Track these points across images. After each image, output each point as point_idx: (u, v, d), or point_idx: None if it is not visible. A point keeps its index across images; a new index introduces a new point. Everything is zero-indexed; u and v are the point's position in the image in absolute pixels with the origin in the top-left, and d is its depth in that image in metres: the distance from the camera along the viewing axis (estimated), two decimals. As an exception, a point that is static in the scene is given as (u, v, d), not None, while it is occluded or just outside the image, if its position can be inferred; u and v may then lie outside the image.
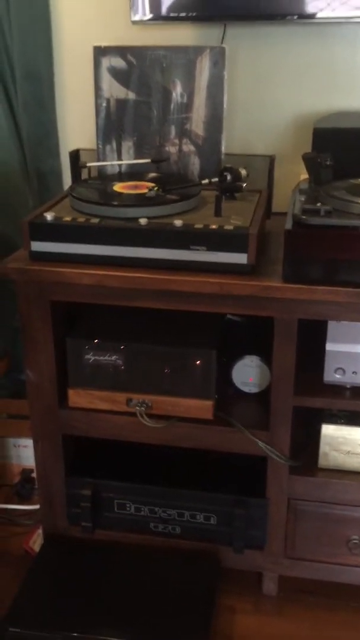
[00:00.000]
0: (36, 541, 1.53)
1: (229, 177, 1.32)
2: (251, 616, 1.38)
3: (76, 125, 1.65)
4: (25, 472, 1.73)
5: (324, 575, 1.38)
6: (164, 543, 1.41)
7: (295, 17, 1.37)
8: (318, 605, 1.39)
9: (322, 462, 1.30)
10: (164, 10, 1.41)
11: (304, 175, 1.34)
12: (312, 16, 1.37)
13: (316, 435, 1.29)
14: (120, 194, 1.30)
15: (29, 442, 1.66)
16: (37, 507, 1.57)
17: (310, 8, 1.36)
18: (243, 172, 1.34)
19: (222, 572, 1.38)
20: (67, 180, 1.70)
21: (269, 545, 1.37)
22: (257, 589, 1.42)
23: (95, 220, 1.21)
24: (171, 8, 1.41)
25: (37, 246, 1.22)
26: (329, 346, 1.21)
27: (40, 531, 1.53)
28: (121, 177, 1.44)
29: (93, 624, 1.23)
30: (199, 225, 1.18)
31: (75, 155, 1.46)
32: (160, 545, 1.41)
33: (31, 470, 1.72)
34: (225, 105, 1.40)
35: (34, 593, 1.31)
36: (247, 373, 1.37)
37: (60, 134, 1.67)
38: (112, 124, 1.45)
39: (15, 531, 1.59)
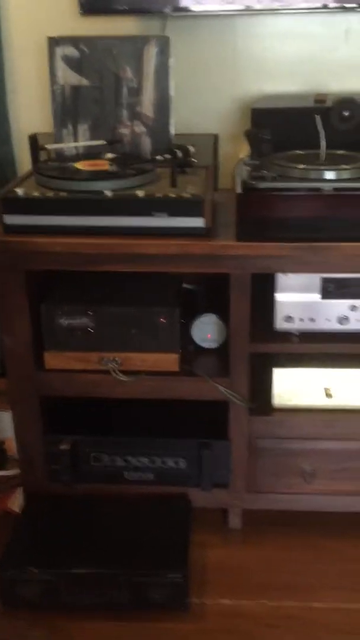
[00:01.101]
0: (15, 502, 1.63)
1: (179, 154, 1.47)
2: (221, 549, 1.53)
3: (27, 111, 1.76)
4: (-4, 444, 1.82)
5: (283, 506, 1.55)
6: (139, 490, 1.54)
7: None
8: (279, 533, 1.55)
9: (277, 402, 1.47)
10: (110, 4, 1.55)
11: (242, 154, 1.51)
12: (241, 11, 1.54)
13: (270, 378, 1.46)
14: (81, 170, 1.43)
15: (-3, 415, 1.75)
16: (12, 472, 1.67)
17: (238, 4, 1.53)
18: (191, 149, 1.50)
19: (192, 511, 1.52)
20: (20, 167, 1.80)
21: (233, 482, 1.52)
22: (224, 524, 1.58)
23: (63, 194, 1.33)
24: (115, 2, 1.55)
25: (10, 219, 1.33)
26: (279, 297, 1.38)
27: (17, 493, 1.63)
28: (79, 158, 1.56)
29: (80, 561, 1.34)
30: (159, 195, 1.32)
31: (34, 139, 1.56)
32: (135, 493, 1.54)
33: (1, 442, 1.81)
34: (171, 90, 1.55)
35: (22, 542, 1.41)
36: (206, 330, 1.52)
37: (12, 121, 1.77)
38: (68, 108, 1.57)
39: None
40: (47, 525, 1.47)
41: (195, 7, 1.54)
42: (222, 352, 1.49)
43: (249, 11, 1.56)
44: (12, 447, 1.76)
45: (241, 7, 1.54)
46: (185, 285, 1.62)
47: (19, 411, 1.50)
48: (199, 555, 1.49)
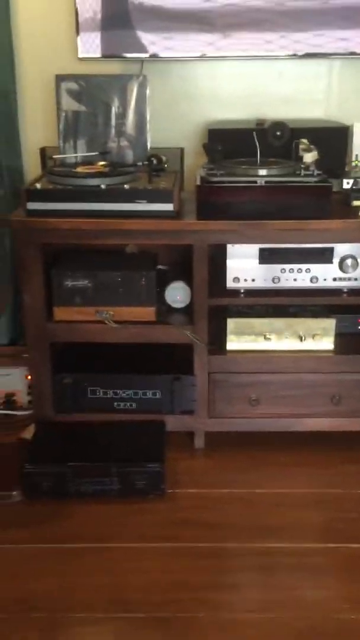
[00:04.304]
0: (27, 433, 2.06)
1: (154, 161, 1.98)
2: (188, 460, 1.98)
3: (33, 132, 2.24)
4: (7, 395, 2.25)
5: (236, 428, 2.01)
6: (125, 417, 1.99)
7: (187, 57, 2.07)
8: (233, 449, 2.01)
9: (229, 344, 1.95)
10: (101, 51, 2.06)
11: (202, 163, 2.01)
12: (199, 57, 2.07)
13: (224, 326, 1.94)
14: (81, 172, 1.92)
15: (8, 371, 2.19)
16: (24, 413, 2.12)
17: (197, 52, 2.06)
18: (164, 158, 2.01)
19: (166, 432, 1.98)
20: (27, 177, 2.28)
21: (197, 409, 1.99)
22: (191, 444, 2.03)
23: (70, 187, 1.82)
24: (105, 50, 2.06)
25: (31, 205, 1.81)
26: (229, 263, 1.88)
27: (30, 427, 2.07)
28: (77, 165, 2.05)
29: (82, 459, 1.79)
30: (140, 187, 1.82)
31: (43, 150, 2.06)
32: (122, 420, 1.99)
33: (12, 394, 2.25)
34: (148, 115, 2.05)
35: (40, 449, 1.86)
36: (176, 294, 1.99)
37: (22, 138, 2.26)
38: (70, 128, 2.06)
39: (6, 434, 2.11)
40: (57, 440, 1.91)
41: (164, 54, 2.07)
42: (188, 309, 1.97)
43: (205, 57, 2.09)
44: (20, 400, 2.21)
45: (199, 54, 2.07)
46: (159, 266, 2.10)
47: (33, 354, 1.95)
48: (172, 465, 1.94)
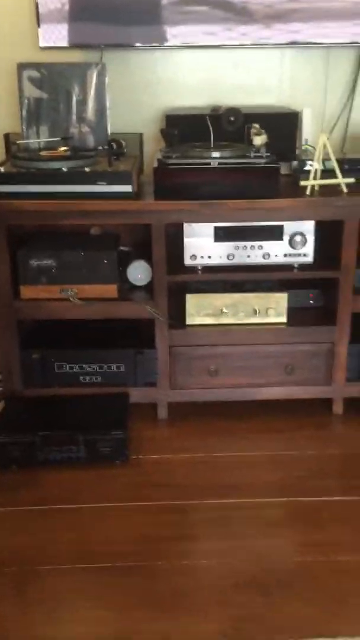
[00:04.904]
0: (-3, 408, 2.15)
1: (114, 146, 2.07)
2: (151, 430, 2.09)
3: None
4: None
5: (197, 398, 2.13)
6: (91, 391, 2.09)
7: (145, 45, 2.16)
8: (194, 418, 2.13)
9: (188, 319, 2.06)
10: (66, 40, 2.15)
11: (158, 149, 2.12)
12: (156, 47, 2.17)
13: (183, 301, 2.04)
14: (44, 156, 2.01)
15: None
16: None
17: (153, 40, 2.16)
18: (123, 143, 2.11)
19: (130, 404, 2.08)
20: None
21: (159, 381, 2.10)
22: (154, 416, 2.14)
23: (33, 170, 1.91)
24: (69, 39, 2.15)
25: (-4, 188, 1.90)
26: (186, 241, 1.98)
27: (-1, 403, 2.16)
28: (40, 150, 2.13)
29: (50, 428, 1.89)
30: (100, 170, 1.91)
31: (7, 136, 2.14)
32: (88, 393, 2.09)
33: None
34: (107, 101, 2.14)
35: (9, 421, 1.95)
36: (137, 272, 2.09)
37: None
38: (32, 115, 2.15)
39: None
40: (25, 413, 2.00)
41: (123, 42, 2.16)
42: (149, 287, 2.07)
43: (163, 47, 2.19)
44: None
45: (157, 44, 2.16)
46: (121, 247, 2.20)
47: (1, 332, 2.03)
48: (136, 435, 2.04)
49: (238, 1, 2.12)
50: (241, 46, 2.20)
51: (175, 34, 2.15)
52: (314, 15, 2.14)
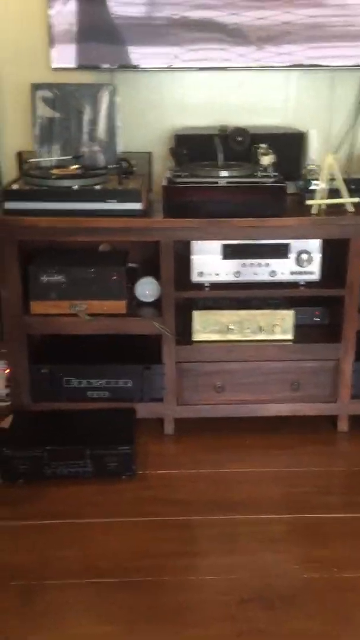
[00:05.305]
0: (5, 423, 2.16)
1: (124, 164, 2.11)
2: (158, 445, 2.11)
3: (10, 137, 2.36)
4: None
5: (203, 414, 2.14)
6: (98, 405, 2.11)
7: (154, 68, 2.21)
8: (200, 433, 2.14)
9: (195, 335, 2.08)
10: (76, 62, 2.20)
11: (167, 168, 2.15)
12: (164, 68, 2.22)
13: (190, 318, 2.07)
14: (56, 174, 2.04)
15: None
16: (2, 404, 2.22)
17: (162, 63, 2.21)
18: (133, 161, 2.14)
19: (137, 419, 2.10)
20: (5, 178, 2.40)
21: (166, 397, 2.11)
22: (161, 431, 2.16)
23: (45, 188, 1.94)
24: (79, 60, 2.20)
25: (9, 205, 1.93)
26: (193, 258, 2.01)
27: (8, 418, 2.17)
28: (52, 168, 2.17)
29: (62, 443, 1.91)
30: (110, 188, 1.95)
31: (20, 154, 2.18)
32: (96, 408, 2.11)
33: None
34: (118, 121, 2.19)
35: (17, 435, 1.97)
36: (145, 289, 2.12)
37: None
38: (44, 134, 2.19)
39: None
40: (33, 426, 2.03)
41: (134, 63, 2.21)
42: (157, 303, 2.09)
43: (171, 69, 2.23)
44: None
45: (165, 65, 2.21)
46: (130, 264, 2.23)
47: (11, 346, 2.06)
48: (143, 449, 2.06)
49: (245, 26, 2.17)
50: (248, 68, 2.25)
51: (184, 57, 2.20)
52: (320, 37, 2.19)
